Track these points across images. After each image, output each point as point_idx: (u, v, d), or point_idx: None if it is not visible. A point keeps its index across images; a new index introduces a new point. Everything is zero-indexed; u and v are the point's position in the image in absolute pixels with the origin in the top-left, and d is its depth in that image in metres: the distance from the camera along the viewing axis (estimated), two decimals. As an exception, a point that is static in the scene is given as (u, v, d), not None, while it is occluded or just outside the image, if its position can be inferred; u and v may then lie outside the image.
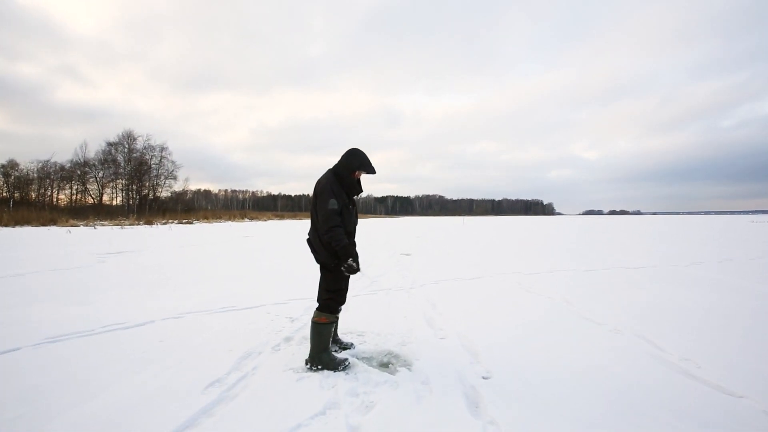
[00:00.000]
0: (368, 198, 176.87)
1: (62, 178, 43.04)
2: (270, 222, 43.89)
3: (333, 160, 2.88)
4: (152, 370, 2.61)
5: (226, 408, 2.14)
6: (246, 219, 47.39)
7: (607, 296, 4.93)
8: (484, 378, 2.52)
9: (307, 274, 6.40)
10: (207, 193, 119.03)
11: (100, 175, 44.19)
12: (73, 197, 43.78)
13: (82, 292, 5.11)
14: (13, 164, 39.83)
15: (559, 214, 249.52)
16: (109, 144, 44.10)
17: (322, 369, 2.61)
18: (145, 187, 45.63)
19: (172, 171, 47.11)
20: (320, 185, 2.67)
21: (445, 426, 1.98)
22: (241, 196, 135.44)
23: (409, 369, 2.66)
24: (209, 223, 36.56)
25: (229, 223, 37.91)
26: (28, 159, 48.12)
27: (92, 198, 43.72)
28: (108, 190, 45.05)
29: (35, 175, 41.11)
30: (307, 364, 2.67)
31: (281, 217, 58.91)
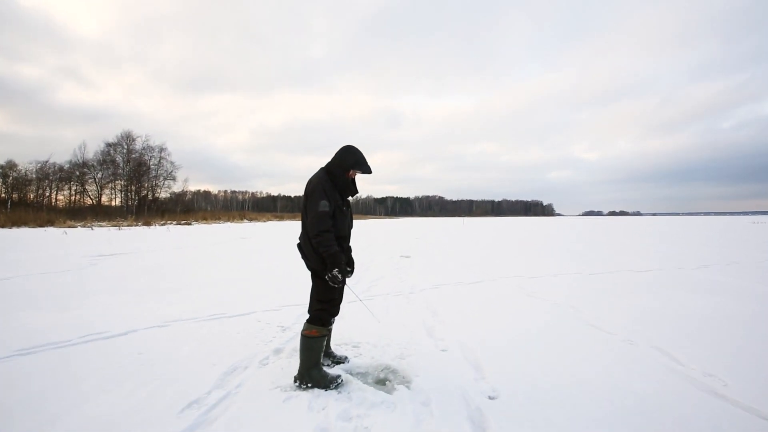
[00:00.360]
0: (368, 199, 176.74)
1: (61, 179, 42.86)
2: (269, 223, 43.61)
3: (333, 161, 2.63)
4: (125, 389, 2.37)
5: (202, 435, 1.90)
6: (245, 220, 47.17)
7: (615, 301, 4.69)
8: (490, 398, 2.28)
9: (301, 278, 6.15)
10: (207, 194, 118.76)
11: (99, 175, 44.07)
12: (72, 198, 43.59)
13: (66, 297, 4.87)
14: (11, 165, 39.64)
15: (558, 215, 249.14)
16: (108, 145, 44.01)
17: (312, 387, 2.36)
18: (144, 187, 45.46)
19: (171, 172, 47.00)
20: (311, 185, 2.42)
21: (448, 458, 1.75)
22: (240, 197, 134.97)
23: (407, 387, 2.43)
24: (208, 224, 36.31)
25: (228, 224, 37.65)
26: (27, 160, 48.04)
27: (91, 199, 43.53)
28: (107, 191, 44.92)
29: (34, 175, 40.94)
30: (295, 381, 2.42)
31: (281, 218, 58.68)
